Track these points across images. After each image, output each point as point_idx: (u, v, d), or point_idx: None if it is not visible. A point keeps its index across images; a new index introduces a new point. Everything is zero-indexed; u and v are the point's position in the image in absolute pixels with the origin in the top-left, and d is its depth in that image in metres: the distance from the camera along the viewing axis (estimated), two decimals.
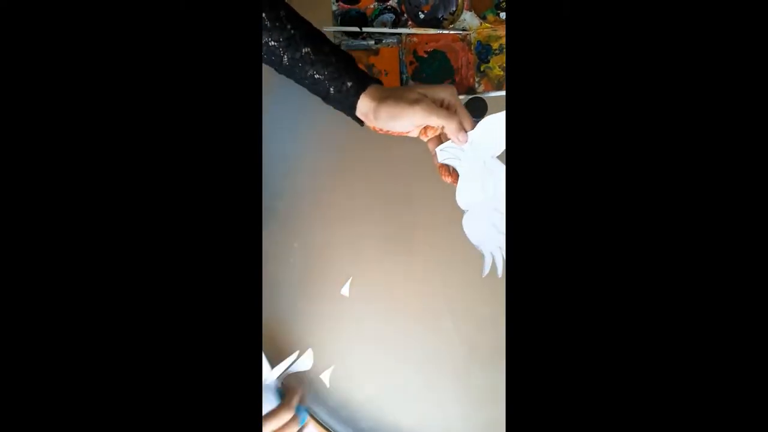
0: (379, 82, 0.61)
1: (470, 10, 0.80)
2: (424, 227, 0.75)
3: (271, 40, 0.58)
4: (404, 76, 0.79)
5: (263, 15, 0.57)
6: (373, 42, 0.79)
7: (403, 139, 0.78)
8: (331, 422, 0.76)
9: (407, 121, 0.57)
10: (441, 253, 0.76)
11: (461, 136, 0.58)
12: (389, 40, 0.79)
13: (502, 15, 0.81)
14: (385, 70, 0.80)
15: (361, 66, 0.79)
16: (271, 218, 0.78)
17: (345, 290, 0.58)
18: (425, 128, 0.60)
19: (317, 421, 0.76)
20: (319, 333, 0.77)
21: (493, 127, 0.57)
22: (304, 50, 0.59)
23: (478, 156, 0.59)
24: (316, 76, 0.59)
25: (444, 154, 0.59)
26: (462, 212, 0.60)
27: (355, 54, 0.79)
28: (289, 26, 0.58)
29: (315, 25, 0.78)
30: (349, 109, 0.61)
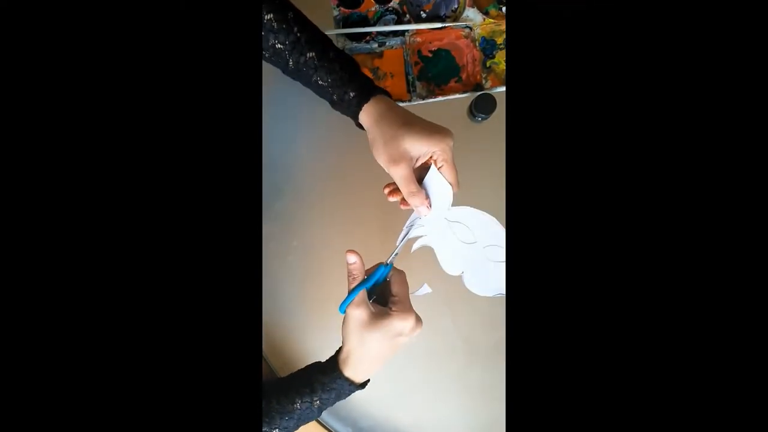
0: (384, 92, 0.60)
1: (472, 7, 0.79)
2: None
3: (278, 42, 0.57)
4: (410, 77, 0.79)
5: (271, 16, 0.56)
6: (376, 45, 0.79)
7: None
8: (331, 421, 0.77)
9: (381, 159, 0.56)
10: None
11: (422, 211, 0.57)
12: (393, 42, 0.79)
13: (505, 9, 0.81)
14: (390, 73, 0.79)
15: (365, 70, 0.79)
16: (271, 218, 0.78)
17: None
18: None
19: (316, 420, 0.76)
20: (319, 332, 0.78)
21: (433, 183, 0.57)
22: (308, 54, 0.58)
23: (437, 218, 0.58)
24: (320, 82, 0.59)
25: (416, 243, 0.59)
26: (459, 276, 0.59)
27: (359, 57, 0.79)
28: (295, 29, 0.58)
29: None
30: (353, 117, 0.60)
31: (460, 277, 0.59)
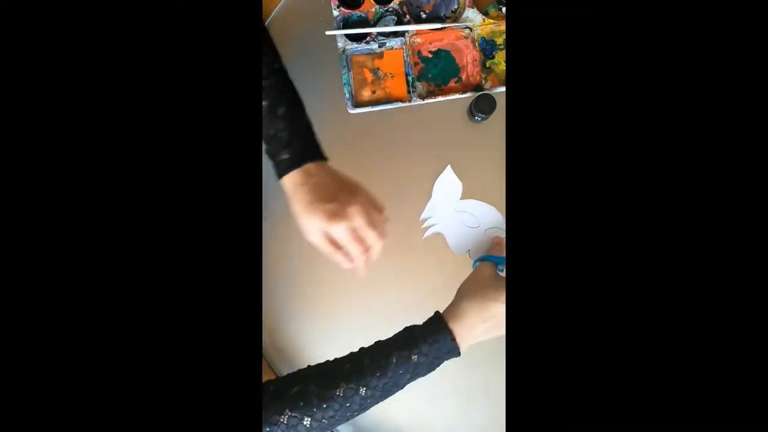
0: (322, 158, 0.56)
1: (472, 7, 0.79)
2: (422, 225, 0.75)
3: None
4: (410, 78, 0.79)
5: None
6: (377, 45, 0.79)
7: (401, 139, 0.79)
8: None
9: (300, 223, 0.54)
10: (441, 251, 0.76)
11: (343, 264, 0.54)
12: (393, 43, 0.79)
13: (504, 10, 0.81)
14: (390, 73, 0.79)
15: (366, 70, 0.80)
16: (271, 218, 0.78)
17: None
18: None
19: None
20: (319, 332, 0.78)
21: (445, 181, 0.67)
22: (263, 102, 0.55)
23: (447, 210, 0.69)
24: (264, 131, 0.55)
25: (428, 231, 0.70)
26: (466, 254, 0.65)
27: (359, 58, 0.79)
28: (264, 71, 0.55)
29: (317, 30, 0.78)
30: (277, 176, 0.56)
31: (467, 257, 0.66)
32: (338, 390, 0.50)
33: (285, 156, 0.54)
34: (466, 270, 0.64)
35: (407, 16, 0.79)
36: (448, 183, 0.70)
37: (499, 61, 0.80)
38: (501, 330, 0.54)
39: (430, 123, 0.79)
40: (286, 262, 0.78)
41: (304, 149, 0.56)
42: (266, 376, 0.77)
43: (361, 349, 0.56)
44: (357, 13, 0.79)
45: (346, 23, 0.80)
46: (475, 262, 0.60)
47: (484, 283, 0.54)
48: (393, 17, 0.81)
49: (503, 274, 0.59)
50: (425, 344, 0.52)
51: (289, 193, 0.55)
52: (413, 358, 0.51)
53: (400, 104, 0.78)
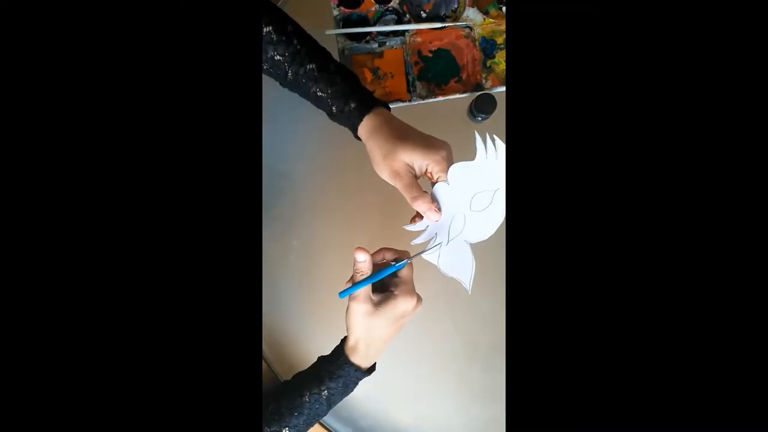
0: (385, 104, 0.60)
1: (472, 6, 0.79)
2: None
3: (277, 54, 0.58)
4: (410, 77, 0.79)
5: (270, 29, 0.57)
6: (377, 45, 0.79)
7: None
8: (331, 421, 0.77)
9: (383, 174, 0.57)
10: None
11: (431, 215, 0.55)
12: (393, 42, 0.79)
13: (505, 9, 0.81)
14: (390, 73, 0.79)
15: (365, 70, 0.79)
16: (271, 218, 0.78)
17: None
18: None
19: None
20: (319, 332, 0.77)
21: (466, 172, 0.55)
22: (308, 66, 0.58)
23: (444, 228, 0.57)
24: (319, 93, 0.59)
25: (428, 256, 0.57)
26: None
27: (359, 57, 0.79)
28: (295, 41, 0.58)
29: (317, 29, 0.78)
30: (352, 129, 0.59)
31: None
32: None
33: (353, 105, 0.57)
34: None
35: (407, 15, 0.79)
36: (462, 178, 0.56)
37: (500, 60, 0.80)
38: (396, 331, 0.56)
39: (431, 123, 0.78)
40: (286, 262, 0.78)
41: (370, 95, 0.59)
42: (266, 377, 0.77)
43: (282, 383, 0.60)
44: (357, 12, 0.79)
45: (346, 22, 0.79)
46: (341, 294, 0.56)
47: (357, 316, 0.54)
48: (393, 16, 0.80)
49: (374, 299, 0.55)
50: (331, 381, 0.56)
51: (369, 135, 0.57)
52: (323, 393, 0.56)
53: (400, 104, 0.78)
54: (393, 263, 0.56)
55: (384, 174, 0.56)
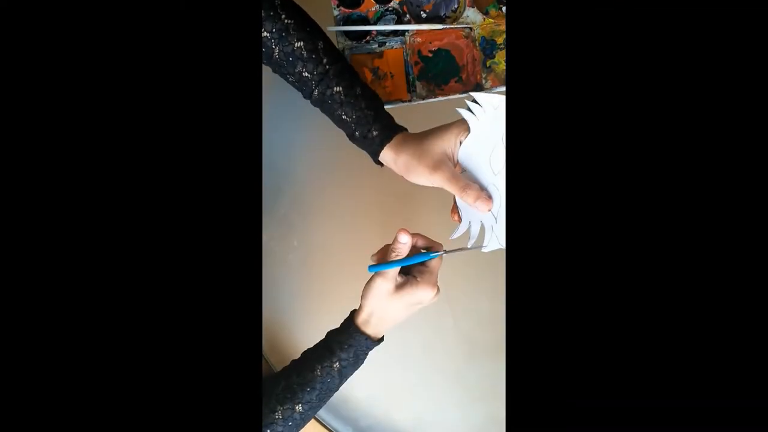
0: (404, 129, 0.60)
1: (472, 6, 0.79)
2: (423, 225, 0.75)
3: (305, 71, 0.58)
4: (410, 77, 0.79)
5: (301, 44, 0.57)
6: (377, 45, 0.79)
7: None
8: (331, 421, 0.76)
9: (426, 182, 0.56)
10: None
11: (480, 204, 0.54)
12: (393, 42, 0.79)
13: (505, 9, 0.81)
14: (390, 72, 0.79)
15: (366, 69, 0.79)
16: (271, 218, 0.78)
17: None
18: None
19: (317, 419, 0.76)
20: (320, 332, 0.77)
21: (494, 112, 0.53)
22: (336, 89, 0.58)
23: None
24: (344, 117, 0.59)
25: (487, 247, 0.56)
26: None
27: (359, 57, 0.79)
28: (325, 60, 0.58)
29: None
30: (373, 155, 0.60)
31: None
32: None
33: (375, 132, 0.58)
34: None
35: (407, 15, 0.79)
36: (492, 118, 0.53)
37: (500, 60, 0.80)
38: (409, 314, 0.57)
39: (431, 122, 0.79)
40: (286, 262, 0.78)
41: (391, 121, 0.60)
42: (266, 376, 0.77)
43: (292, 362, 0.60)
44: (357, 12, 0.79)
45: (346, 22, 0.80)
46: (371, 268, 0.55)
47: (377, 292, 0.56)
48: (393, 17, 0.80)
49: (399, 279, 0.56)
50: (342, 352, 0.57)
51: (395, 154, 0.57)
52: (335, 365, 0.56)
53: (400, 104, 0.78)
54: (426, 251, 0.57)
55: (424, 174, 0.56)
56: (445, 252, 0.58)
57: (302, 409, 0.56)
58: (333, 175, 0.79)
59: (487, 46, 0.80)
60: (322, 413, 0.76)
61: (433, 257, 0.57)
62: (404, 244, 0.56)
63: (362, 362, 0.59)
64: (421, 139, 0.57)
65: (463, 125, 0.56)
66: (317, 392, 0.56)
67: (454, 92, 0.78)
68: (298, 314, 0.78)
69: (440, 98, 0.78)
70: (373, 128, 0.58)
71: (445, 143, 0.56)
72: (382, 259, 0.57)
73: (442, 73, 0.80)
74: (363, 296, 0.57)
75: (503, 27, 0.80)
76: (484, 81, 0.79)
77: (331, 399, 0.76)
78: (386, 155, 0.58)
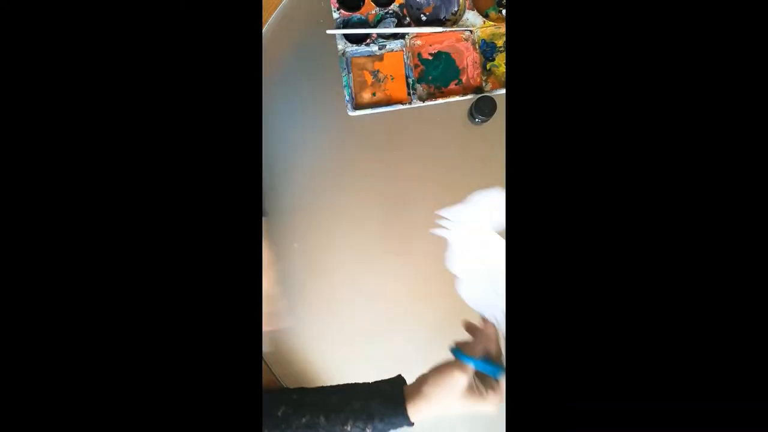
0: (401, 385, 0.58)
1: (472, 9, 0.79)
2: (422, 227, 0.75)
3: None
4: (410, 80, 0.79)
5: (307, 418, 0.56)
6: (377, 48, 0.79)
7: (401, 141, 0.79)
8: None
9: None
10: (440, 252, 0.76)
11: (493, 401, 0.54)
12: (393, 45, 0.79)
13: (505, 12, 0.81)
14: (391, 75, 0.79)
15: (366, 72, 0.80)
16: (271, 218, 0.78)
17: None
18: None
19: None
20: (320, 334, 0.77)
21: (491, 201, 0.55)
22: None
23: (474, 227, 0.57)
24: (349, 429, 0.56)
25: (440, 230, 0.57)
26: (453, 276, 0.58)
27: (359, 60, 0.79)
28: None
29: (317, 32, 0.78)
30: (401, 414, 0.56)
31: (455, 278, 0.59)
32: None
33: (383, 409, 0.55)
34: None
35: (407, 18, 0.79)
36: (489, 205, 0.56)
37: (500, 63, 0.80)
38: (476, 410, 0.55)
39: (431, 125, 0.79)
40: (286, 262, 0.78)
41: (387, 398, 0.57)
42: (265, 378, 0.77)
43: (320, 395, 0.58)
44: (357, 15, 0.79)
45: (346, 25, 0.80)
46: (458, 353, 0.54)
47: (451, 385, 0.54)
48: (393, 19, 0.81)
49: (479, 388, 0.54)
50: (380, 422, 0.54)
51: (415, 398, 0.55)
52: (367, 429, 0.54)
53: (401, 106, 0.78)
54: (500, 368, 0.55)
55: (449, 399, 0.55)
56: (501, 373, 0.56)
57: None
58: (333, 175, 0.79)
59: (487, 49, 0.80)
60: None
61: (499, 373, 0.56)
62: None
63: None
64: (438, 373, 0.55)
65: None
66: None
67: (454, 95, 0.79)
68: (297, 314, 0.78)
69: (440, 101, 0.78)
70: (375, 414, 0.55)
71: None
72: (472, 351, 0.55)
73: (442, 75, 0.80)
74: (430, 380, 0.55)
75: (503, 30, 0.80)
76: (484, 84, 0.80)
77: None
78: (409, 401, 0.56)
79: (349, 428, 0.54)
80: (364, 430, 0.54)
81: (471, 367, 0.53)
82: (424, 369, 0.77)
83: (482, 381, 0.55)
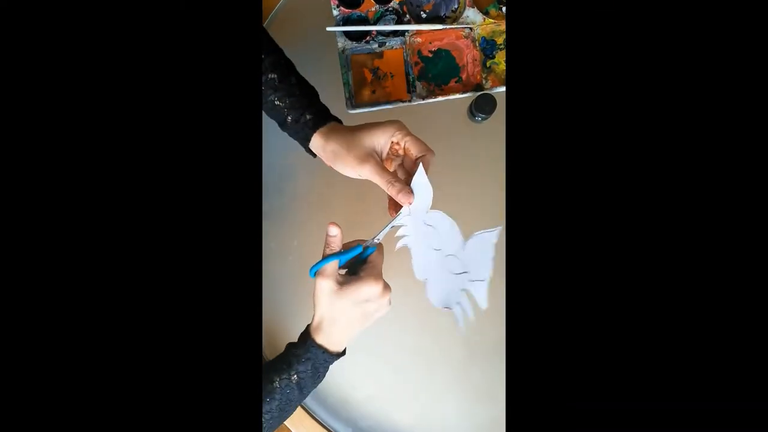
0: (338, 120, 0.61)
1: (472, 7, 0.79)
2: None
3: None
4: (410, 77, 0.79)
5: None
6: (377, 45, 0.79)
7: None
8: (331, 421, 0.77)
9: (352, 174, 0.57)
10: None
11: (402, 197, 0.56)
12: (393, 42, 0.79)
13: (505, 9, 0.81)
14: (390, 73, 0.79)
15: (366, 70, 0.79)
16: (271, 218, 0.78)
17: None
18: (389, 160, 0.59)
19: (317, 420, 0.76)
20: None
21: (419, 183, 0.56)
22: (270, 76, 0.59)
23: (417, 220, 0.57)
24: (277, 102, 0.59)
25: (399, 243, 0.59)
26: (424, 281, 0.59)
27: (359, 57, 0.79)
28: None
29: (316, 29, 0.78)
30: (303, 141, 0.60)
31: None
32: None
33: (309, 116, 0.59)
34: None
35: (407, 15, 0.79)
36: (421, 187, 0.55)
37: (500, 60, 0.80)
38: (363, 317, 0.56)
39: (430, 123, 0.79)
40: (286, 262, 0.78)
41: (325, 110, 0.61)
42: None
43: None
44: (357, 12, 0.79)
45: (346, 23, 0.79)
46: (311, 271, 0.55)
47: (320, 293, 0.55)
48: (393, 17, 0.80)
49: (342, 272, 0.56)
50: (299, 364, 0.56)
51: (324, 141, 0.58)
52: (293, 377, 0.56)
53: (400, 104, 0.78)
54: (361, 244, 0.57)
55: (350, 165, 0.56)
56: (376, 237, 0.57)
57: (263, 418, 0.56)
58: (333, 175, 0.79)
59: (487, 47, 0.80)
60: (322, 414, 0.77)
61: (370, 252, 0.57)
62: (333, 236, 0.56)
63: (323, 376, 0.58)
64: (353, 130, 0.57)
65: (396, 125, 0.57)
66: (276, 402, 0.56)
67: (454, 92, 0.78)
68: (297, 315, 0.78)
69: (440, 98, 0.78)
70: (306, 113, 0.59)
71: (376, 139, 0.56)
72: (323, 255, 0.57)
73: (442, 73, 0.80)
74: (313, 302, 0.57)
75: (503, 27, 0.80)
76: (484, 81, 0.79)
77: (331, 400, 0.77)
78: (316, 141, 0.59)
79: (277, 384, 0.56)
80: (290, 379, 0.56)
81: (330, 265, 0.55)
82: (421, 364, 0.78)
83: (356, 270, 0.57)
